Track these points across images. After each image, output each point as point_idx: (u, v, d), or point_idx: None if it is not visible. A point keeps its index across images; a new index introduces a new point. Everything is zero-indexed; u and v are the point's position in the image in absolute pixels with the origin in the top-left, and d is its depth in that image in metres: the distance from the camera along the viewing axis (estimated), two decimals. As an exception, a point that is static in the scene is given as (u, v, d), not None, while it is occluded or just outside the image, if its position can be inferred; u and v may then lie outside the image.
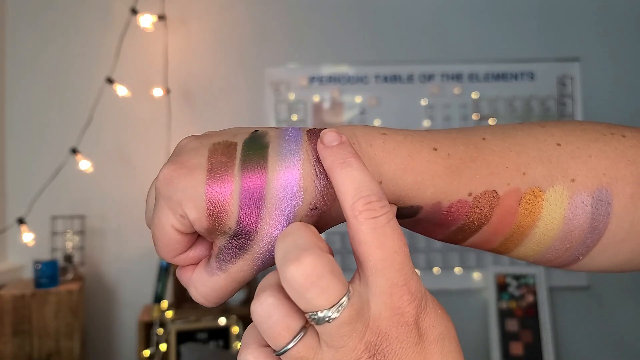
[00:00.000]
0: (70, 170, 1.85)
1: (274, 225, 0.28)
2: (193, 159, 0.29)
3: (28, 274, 1.90)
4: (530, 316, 2.02)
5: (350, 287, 0.24)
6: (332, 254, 0.26)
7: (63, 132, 1.94)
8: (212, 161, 0.28)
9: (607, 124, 0.35)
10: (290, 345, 0.24)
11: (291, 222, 0.28)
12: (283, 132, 0.30)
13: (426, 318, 0.26)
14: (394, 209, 0.29)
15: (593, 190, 0.32)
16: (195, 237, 0.30)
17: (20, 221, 1.79)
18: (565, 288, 2.10)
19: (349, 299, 0.23)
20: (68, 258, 1.85)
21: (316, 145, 0.28)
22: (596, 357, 2.12)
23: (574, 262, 0.34)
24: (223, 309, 1.83)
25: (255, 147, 0.28)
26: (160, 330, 1.77)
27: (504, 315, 2.03)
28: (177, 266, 0.32)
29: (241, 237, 0.28)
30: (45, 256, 1.85)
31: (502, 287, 2.06)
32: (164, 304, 1.80)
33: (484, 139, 0.32)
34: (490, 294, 2.06)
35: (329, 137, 0.27)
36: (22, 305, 1.63)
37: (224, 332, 1.80)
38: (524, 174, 0.31)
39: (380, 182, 0.29)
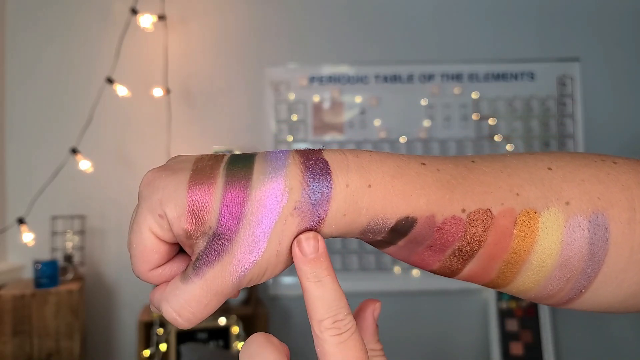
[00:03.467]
0: (71, 170, 1.86)
1: (256, 223, 0.27)
2: (178, 164, 0.29)
3: (28, 274, 1.90)
4: (530, 316, 2.02)
5: None
6: (288, 353, 0.28)
7: (63, 132, 1.94)
8: (197, 165, 0.28)
9: (596, 153, 0.35)
10: None
11: (275, 222, 0.27)
12: (270, 151, 0.30)
13: None
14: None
15: (589, 214, 0.31)
16: (173, 252, 0.30)
17: (20, 221, 1.79)
18: (565, 288, 2.10)
19: None
20: (68, 258, 1.85)
21: (303, 156, 0.29)
22: (595, 357, 2.12)
23: (577, 296, 0.33)
24: (223, 308, 1.83)
25: (242, 157, 0.29)
26: (160, 330, 1.77)
27: (504, 315, 2.04)
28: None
29: (221, 238, 0.27)
30: (45, 256, 1.85)
31: (502, 287, 2.07)
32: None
33: (473, 161, 0.32)
34: (490, 294, 2.07)
35: (307, 247, 0.28)
36: (22, 305, 1.63)
37: (224, 332, 1.80)
38: (517, 194, 0.31)
39: (369, 186, 0.28)
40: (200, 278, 0.27)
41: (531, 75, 2.15)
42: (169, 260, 0.30)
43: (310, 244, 0.28)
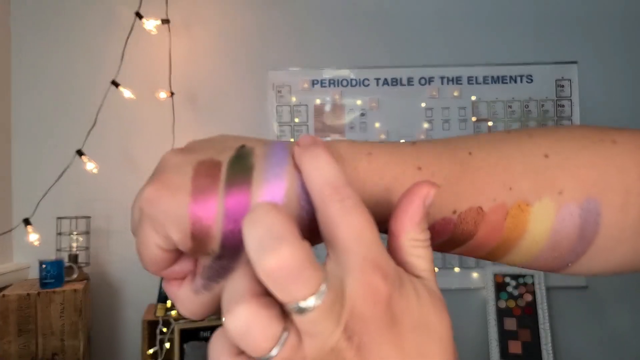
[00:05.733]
0: (76, 171, 1.87)
1: None
2: (176, 178, 0.28)
3: (33, 274, 1.92)
4: (528, 315, 2.03)
5: (326, 271, 0.23)
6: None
7: (68, 134, 1.96)
8: (195, 182, 0.27)
9: (598, 128, 0.34)
10: (274, 353, 0.22)
11: None
12: (269, 151, 0.29)
13: (401, 301, 0.24)
14: None
15: (581, 201, 0.31)
16: (180, 252, 0.30)
17: (26, 222, 1.80)
18: (563, 288, 2.12)
19: (327, 283, 0.22)
20: (73, 258, 1.86)
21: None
22: (593, 356, 2.13)
23: (563, 268, 0.34)
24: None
25: (239, 168, 0.28)
26: (165, 329, 1.79)
27: (502, 314, 2.05)
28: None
29: (225, 259, 0.28)
30: (51, 256, 1.86)
31: (500, 287, 2.08)
32: (168, 303, 1.83)
33: (470, 153, 0.32)
34: (489, 293, 2.08)
35: (304, 139, 0.28)
36: (28, 304, 1.64)
37: (227, 331, 1.82)
38: (510, 189, 0.31)
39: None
40: (209, 291, 0.29)
41: (530, 78, 2.18)
42: (178, 258, 0.30)
43: (307, 139, 0.27)
